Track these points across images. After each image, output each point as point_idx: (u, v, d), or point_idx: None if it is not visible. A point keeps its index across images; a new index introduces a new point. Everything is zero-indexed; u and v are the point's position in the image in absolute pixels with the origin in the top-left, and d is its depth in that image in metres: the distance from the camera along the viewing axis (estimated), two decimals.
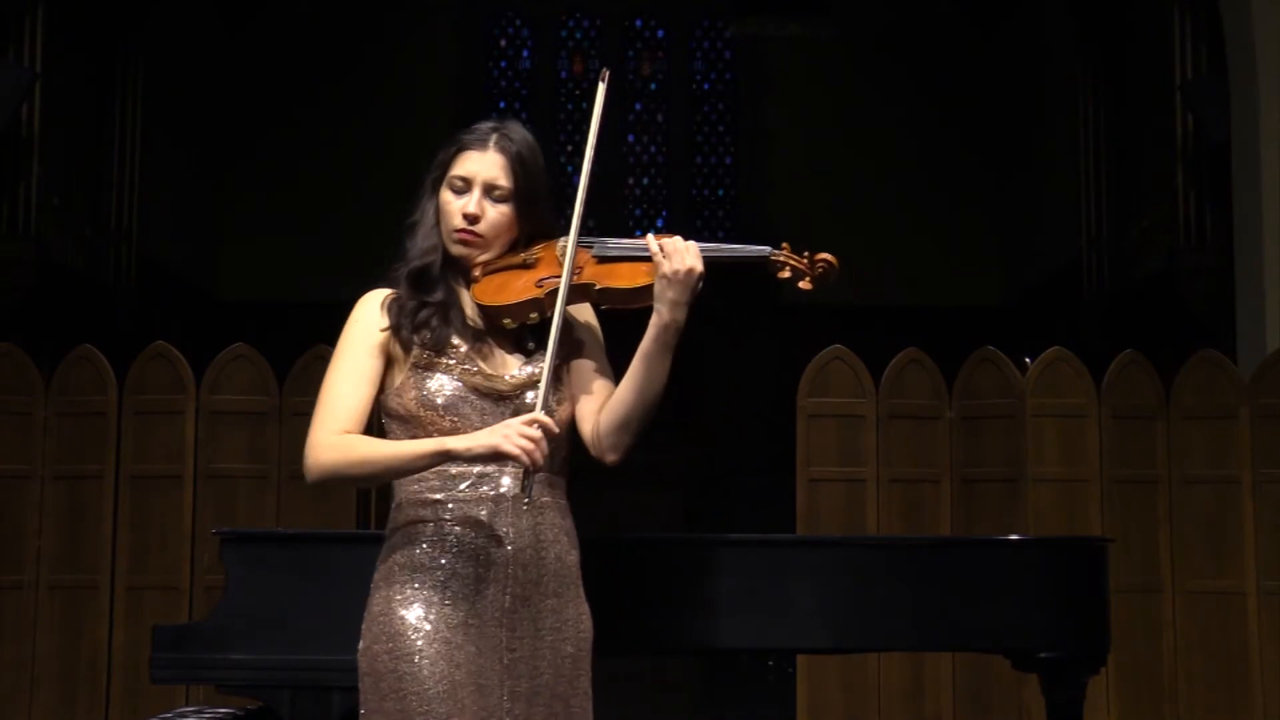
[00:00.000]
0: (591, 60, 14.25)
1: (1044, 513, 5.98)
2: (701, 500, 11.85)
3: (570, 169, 14.04)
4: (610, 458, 2.74)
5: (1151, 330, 9.05)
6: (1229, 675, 6.04)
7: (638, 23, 14.32)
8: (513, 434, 2.53)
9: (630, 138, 14.19)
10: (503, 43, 14.22)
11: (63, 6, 9.20)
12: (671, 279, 2.65)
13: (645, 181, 14.18)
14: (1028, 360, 6.33)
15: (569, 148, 14.06)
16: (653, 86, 14.29)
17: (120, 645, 5.96)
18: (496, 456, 2.57)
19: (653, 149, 14.22)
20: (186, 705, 5.22)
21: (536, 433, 2.53)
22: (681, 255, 2.66)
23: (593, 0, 14.21)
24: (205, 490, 6.01)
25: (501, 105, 14.01)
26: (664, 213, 14.07)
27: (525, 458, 2.52)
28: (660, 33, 14.34)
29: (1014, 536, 4.66)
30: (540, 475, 2.64)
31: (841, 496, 6.07)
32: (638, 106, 14.25)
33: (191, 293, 12.37)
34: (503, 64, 14.19)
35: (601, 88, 2.80)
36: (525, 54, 14.20)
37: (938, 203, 13.20)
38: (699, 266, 2.67)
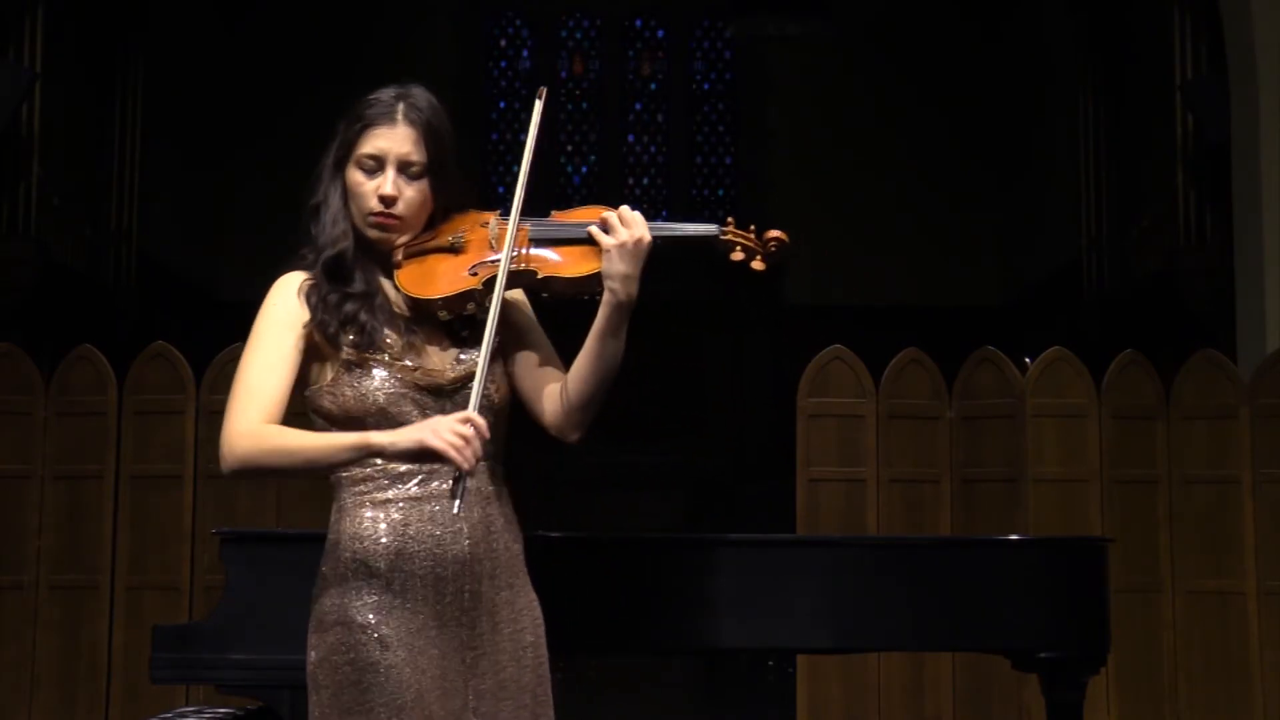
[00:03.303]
0: (591, 60, 14.25)
1: (1044, 513, 5.98)
2: (702, 501, 11.85)
3: (570, 169, 14.07)
4: (573, 436, 2.66)
5: (1151, 330, 9.05)
6: (1229, 675, 6.04)
7: (638, 23, 14.32)
8: (442, 429, 2.39)
9: (630, 138, 14.19)
10: (503, 43, 14.22)
11: (63, 6, 9.20)
12: (621, 249, 2.55)
13: (645, 181, 14.18)
14: (1028, 360, 6.33)
15: (568, 148, 14.07)
16: (653, 86, 14.29)
17: (120, 645, 5.96)
18: (423, 453, 2.41)
19: (653, 149, 14.22)
20: (186, 705, 5.21)
21: (469, 430, 2.39)
22: (638, 224, 2.57)
23: (593, 0, 14.21)
24: (205, 490, 6.01)
25: (501, 105, 14.02)
26: (664, 212, 14.07)
27: (455, 454, 2.37)
28: (660, 33, 14.34)
29: (1014, 536, 4.67)
30: (482, 466, 2.55)
31: (841, 496, 6.07)
32: (638, 106, 14.25)
33: (191, 293, 12.37)
34: (503, 64, 14.19)
35: (538, 105, 2.67)
36: (525, 54, 14.19)
37: (938, 203, 13.19)
38: (648, 235, 2.57)
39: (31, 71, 8.51)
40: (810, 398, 6.11)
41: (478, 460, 2.42)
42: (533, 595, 2.65)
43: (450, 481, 2.45)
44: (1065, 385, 6.13)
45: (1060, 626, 3.80)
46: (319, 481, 2.72)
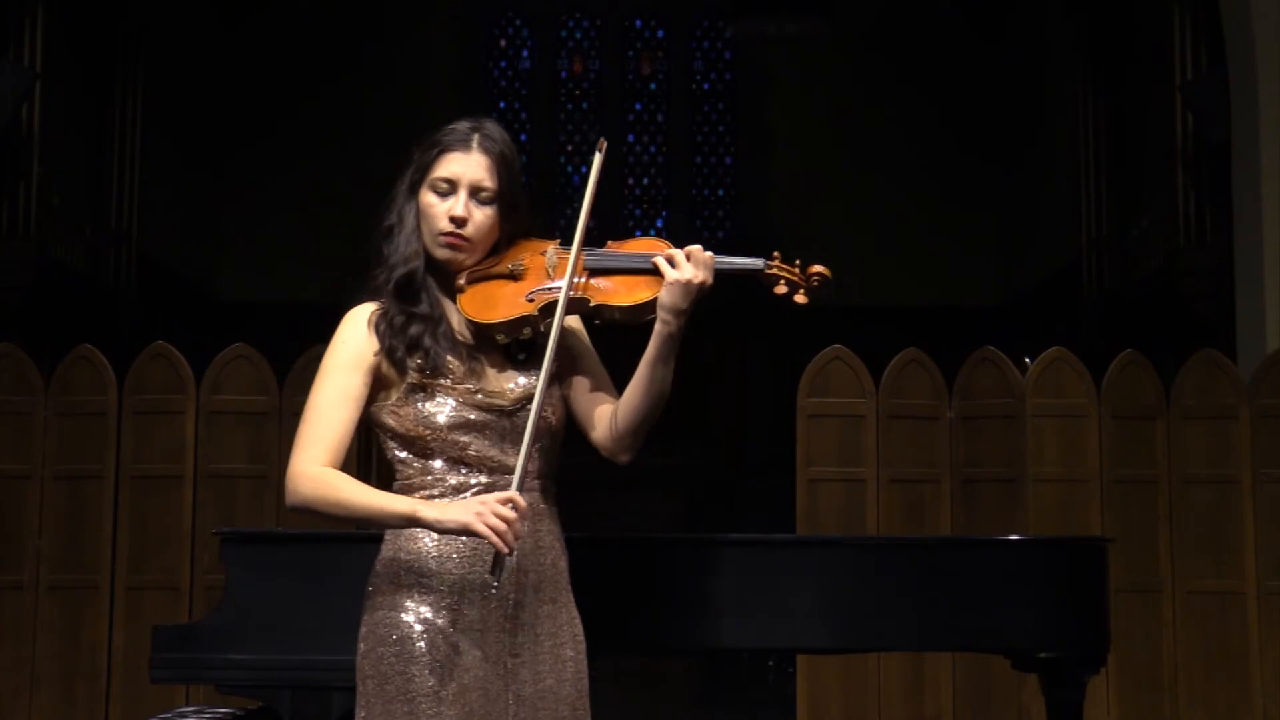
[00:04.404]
0: (591, 60, 14.25)
1: (1044, 513, 5.98)
2: (703, 501, 11.85)
3: (570, 169, 14.06)
4: (624, 458, 2.77)
5: (1151, 330, 9.05)
6: (1229, 675, 6.04)
7: (638, 23, 14.32)
8: (486, 513, 2.50)
9: (630, 138, 14.19)
10: (503, 43, 14.22)
11: (63, 6, 9.20)
12: (686, 286, 2.65)
13: (645, 181, 14.18)
14: (1028, 360, 6.33)
15: (568, 148, 14.07)
16: (653, 86, 14.29)
17: (120, 645, 5.96)
18: (466, 534, 2.55)
19: (653, 149, 14.22)
20: (186, 705, 5.22)
21: (511, 514, 2.50)
22: (705, 267, 2.67)
23: (593, 0, 14.21)
24: (205, 490, 6.01)
25: (501, 105, 14.02)
26: (664, 213, 14.07)
27: (496, 539, 2.49)
28: (660, 33, 14.34)
29: (1014, 536, 4.67)
30: (536, 484, 2.67)
31: (841, 496, 6.07)
32: (638, 106, 14.25)
33: (191, 293, 12.37)
34: (503, 64, 14.19)
35: (598, 158, 2.78)
36: (525, 54, 14.20)
37: (938, 203, 13.20)
38: (711, 279, 2.68)
39: (31, 71, 8.51)
40: (810, 398, 6.11)
41: (518, 540, 2.53)
42: (575, 612, 2.76)
43: (492, 557, 2.55)
44: (1065, 385, 6.13)
45: (1060, 626, 3.80)
46: None
